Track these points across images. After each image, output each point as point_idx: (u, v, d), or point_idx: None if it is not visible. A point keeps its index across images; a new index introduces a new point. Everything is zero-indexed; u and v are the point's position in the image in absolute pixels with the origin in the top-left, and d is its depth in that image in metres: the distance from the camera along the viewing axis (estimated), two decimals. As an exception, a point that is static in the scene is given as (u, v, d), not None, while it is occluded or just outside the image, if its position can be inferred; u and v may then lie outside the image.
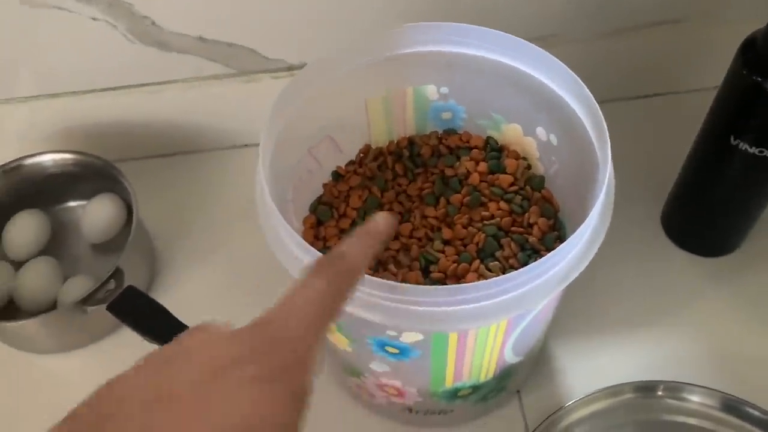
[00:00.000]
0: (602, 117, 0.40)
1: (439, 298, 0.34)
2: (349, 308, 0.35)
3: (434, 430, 0.50)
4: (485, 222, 0.46)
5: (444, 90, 0.48)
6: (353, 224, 0.48)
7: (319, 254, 0.35)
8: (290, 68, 0.61)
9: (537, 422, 0.49)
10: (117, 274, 0.52)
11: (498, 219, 0.46)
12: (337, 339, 0.42)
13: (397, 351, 0.39)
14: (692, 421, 0.49)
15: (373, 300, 0.34)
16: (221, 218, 0.63)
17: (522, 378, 0.50)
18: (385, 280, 0.34)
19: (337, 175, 0.51)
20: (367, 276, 0.33)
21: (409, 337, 0.37)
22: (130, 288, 0.51)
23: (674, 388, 0.49)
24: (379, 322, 0.35)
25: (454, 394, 0.45)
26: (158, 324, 0.49)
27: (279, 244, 0.38)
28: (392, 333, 0.37)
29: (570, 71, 0.41)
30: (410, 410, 0.47)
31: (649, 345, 0.53)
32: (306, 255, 0.36)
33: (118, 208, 0.59)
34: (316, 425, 0.51)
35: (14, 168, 0.58)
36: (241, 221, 0.62)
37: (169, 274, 0.60)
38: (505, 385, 0.47)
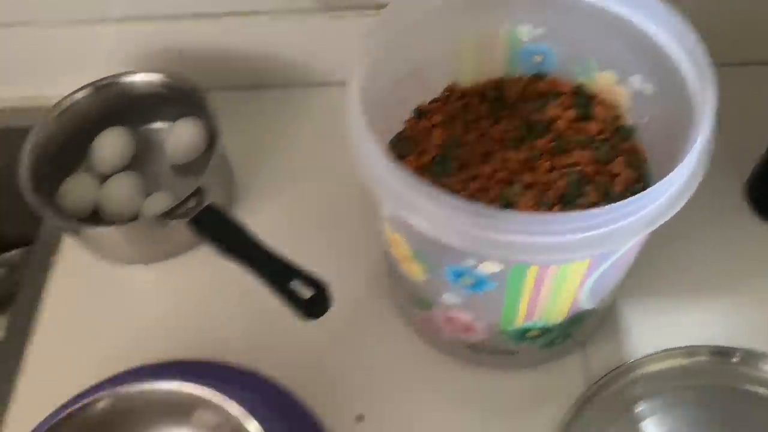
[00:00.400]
0: (711, 72, 0.38)
1: (525, 226, 0.34)
2: (433, 232, 0.35)
3: (495, 371, 0.50)
4: (568, 169, 0.46)
5: (538, 31, 0.48)
6: (433, 161, 0.48)
7: (412, 178, 0.35)
8: (378, 6, 0.61)
9: (600, 376, 0.49)
10: (198, 192, 0.53)
11: (582, 167, 0.46)
12: (412, 268, 0.43)
13: (472, 282, 0.39)
14: (762, 391, 0.48)
15: (457, 225, 0.35)
16: (300, 153, 0.64)
17: (589, 329, 0.50)
18: (472, 203, 0.34)
19: (420, 112, 0.51)
20: (453, 200, 0.33)
21: (487, 267, 0.38)
22: (212, 205, 0.52)
23: (752, 357, 0.48)
24: (461, 248, 0.35)
25: (522, 334, 0.45)
26: (237, 241, 0.50)
27: (370, 171, 0.38)
28: (471, 262, 0.38)
29: (680, 20, 0.40)
30: (475, 348, 0.48)
31: (722, 312, 0.52)
32: (400, 182, 0.36)
33: (201, 133, 0.61)
34: (375, 359, 0.53)
35: (106, 85, 0.60)
36: (319, 158, 0.63)
37: (245, 202, 0.61)
38: (572, 332, 0.47)
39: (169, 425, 0.48)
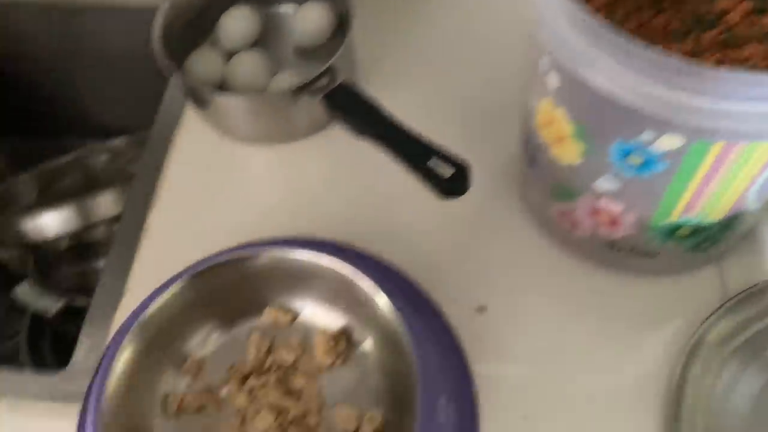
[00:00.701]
0: None
1: (736, 87, 0.31)
2: (617, 92, 0.33)
3: (627, 275, 0.49)
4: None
5: None
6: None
7: (601, 25, 0.33)
8: None
9: (736, 292, 0.47)
10: (330, 70, 0.52)
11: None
12: (567, 150, 0.41)
13: (641, 161, 0.37)
14: None
15: (649, 84, 0.32)
16: (432, 37, 0.63)
17: (733, 241, 0.47)
18: (673, 57, 0.31)
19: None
20: (648, 51, 0.31)
21: (665, 143, 0.35)
22: (345, 83, 0.51)
23: None
24: (648, 112, 0.33)
25: (671, 232, 0.43)
26: (372, 120, 0.49)
27: (548, 21, 0.36)
28: (647, 137, 0.36)
29: None
30: (613, 246, 0.46)
31: None
32: (585, 30, 0.33)
33: (329, 16, 0.59)
34: (499, 253, 0.52)
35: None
36: (453, 42, 0.62)
37: (373, 86, 0.59)
38: (721, 237, 0.44)
39: (294, 293, 0.48)
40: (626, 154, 0.37)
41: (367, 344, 0.47)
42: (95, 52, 0.80)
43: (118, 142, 0.83)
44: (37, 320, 0.69)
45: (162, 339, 0.44)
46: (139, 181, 0.57)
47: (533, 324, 0.49)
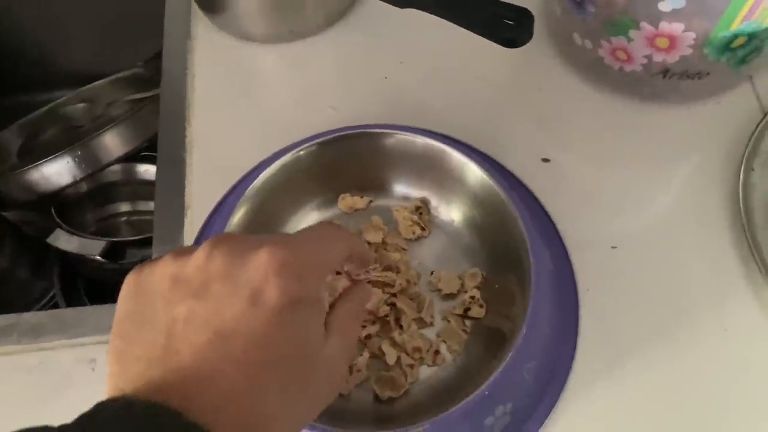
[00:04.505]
0: None
1: None
2: None
3: (671, 107, 0.51)
4: None
5: None
6: None
7: None
8: None
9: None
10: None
11: None
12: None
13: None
14: None
15: None
16: None
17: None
18: None
19: None
20: None
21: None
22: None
23: None
24: None
25: (727, 44, 0.45)
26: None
27: None
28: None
29: None
30: (666, 73, 0.48)
31: None
32: None
33: None
34: (551, 111, 0.53)
35: None
36: None
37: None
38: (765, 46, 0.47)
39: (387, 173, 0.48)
40: (697, -36, 0.39)
41: (450, 211, 0.48)
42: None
43: (90, 87, 0.79)
44: (68, 271, 0.66)
45: (267, 209, 0.44)
46: (166, 101, 0.55)
47: (597, 166, 0.51)
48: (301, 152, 0.44)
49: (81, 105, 0.78)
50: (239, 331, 0.24)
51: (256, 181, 0.43)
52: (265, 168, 0.44)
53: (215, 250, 0.25)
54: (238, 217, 0.42)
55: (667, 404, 0.42)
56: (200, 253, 0.25)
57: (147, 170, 0.71)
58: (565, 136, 0.52)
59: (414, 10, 0.48)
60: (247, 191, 0.43)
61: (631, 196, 0.49)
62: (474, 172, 0.44)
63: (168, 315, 0.24)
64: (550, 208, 0.49)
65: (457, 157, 0.44)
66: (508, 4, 0.45)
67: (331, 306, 0.31)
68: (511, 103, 0.54)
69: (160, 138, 0.53)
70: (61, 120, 0.77)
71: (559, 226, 0.48)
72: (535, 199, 0.49)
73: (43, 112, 0.77)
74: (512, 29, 0.45)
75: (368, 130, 0.46)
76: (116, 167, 0.69)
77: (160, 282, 0.25)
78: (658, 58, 0.47)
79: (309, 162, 0.45)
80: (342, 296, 0.32)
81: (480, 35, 0.45)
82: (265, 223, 0.44)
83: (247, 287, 0.24)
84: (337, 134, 0.45)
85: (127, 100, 0.76)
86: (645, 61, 0.47)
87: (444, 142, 0.45)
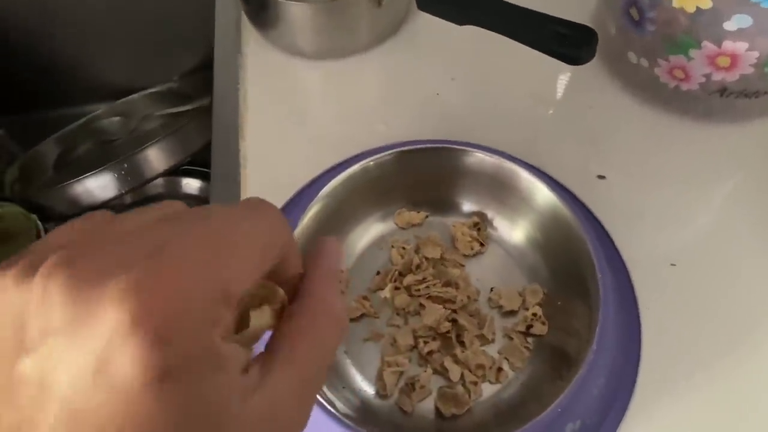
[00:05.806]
0: None
1: None
2: None
3: (722, 125, 0.52)
4: None
5: None
6: None
7: None
8: None
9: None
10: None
11: None
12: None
13: (782, -11, 0.39)
14: None
15: None
16: None
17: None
18: None
19: None
20: None
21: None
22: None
23: None
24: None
25: (788, 64, 0.45)
26: (474, 2, 0.48)
27: None
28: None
29: None
30: (724, 92, 0.48)
31: None
32: None
33: None
34: (604, 129, 0.53)
35: None
36: None
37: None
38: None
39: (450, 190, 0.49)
40: (768, -16, 0.39)
41: (510, 228, 0.48)
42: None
43: (125, 101, 0.80)
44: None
45: (334, 217, 0.45)
46: (219, 115, 0.55)
47: (652, 183, 0.51)
48: (371, 162, 0.44)
49: (116, 119, 0.79)
50: (86, 418, 0.16)
51: (326, 186, 0.43)
52: (328, 180, 0.44)
53: (51, 283, 0.17)
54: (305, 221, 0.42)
55: (733, 420, 0.42)
56: (36, 287, 0.17)
57: (188, 184, 0.71)
58: (617, 153, 0.52)
59: (464, 27, 0.48)
60: (320, 193, 0.43)
61: (685, 213, 0.50)
62: (542, 192, 0.44)
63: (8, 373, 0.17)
64: (607, 225, 0.49)
65: (526, 177, 0.45)
66: (571, 22, 0.46)
67: (284, 316, 0.21)
68: (563, 120, 0.54)
69: (213, 153, 0.53)
70: (96, 133, 0.77)
71: (617, 244, 0.48)
72: (594, 217, 0.49)
73: (78, 126, 0.77)
74: (575, 46, 0.45)
75: (448, 146, 0.46)
76: (159, 181, 0.69)
77: None
78: (718, 77, 0.47)
79: (375, 173, 0.45)
80: (298, 298, 0.22)
81: (543, 52, 0.46)
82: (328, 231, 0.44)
83: (91, 354, 0.16)
84: (419, 146, 0.45)
85: (161, 114, 0.76)
86: (703, 80, 0.48)
87: (515, 162, 0.46)
